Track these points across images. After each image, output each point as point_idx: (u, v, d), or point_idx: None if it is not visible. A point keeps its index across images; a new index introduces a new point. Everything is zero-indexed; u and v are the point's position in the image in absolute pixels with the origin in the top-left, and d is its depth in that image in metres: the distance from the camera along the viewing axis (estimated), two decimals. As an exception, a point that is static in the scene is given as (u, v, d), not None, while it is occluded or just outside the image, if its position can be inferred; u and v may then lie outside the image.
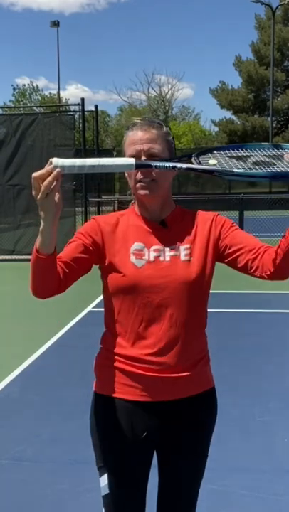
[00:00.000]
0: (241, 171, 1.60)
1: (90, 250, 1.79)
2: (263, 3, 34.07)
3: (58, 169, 1.54)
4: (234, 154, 1.70)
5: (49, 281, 1.69)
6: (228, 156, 1.68)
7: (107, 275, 1.82)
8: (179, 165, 1.63)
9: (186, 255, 1.80)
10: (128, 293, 1.78)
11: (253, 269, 1.78)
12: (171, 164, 1.62)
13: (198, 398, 1.85)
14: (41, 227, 1.59)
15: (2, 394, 4.57)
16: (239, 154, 1.69)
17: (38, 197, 1.54)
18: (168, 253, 1.80)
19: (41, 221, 1.58)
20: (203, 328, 1.89)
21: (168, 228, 1.83)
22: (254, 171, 1.61)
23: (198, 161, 1.66)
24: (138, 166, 1.62)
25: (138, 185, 1.76)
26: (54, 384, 4.75)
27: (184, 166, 1.63)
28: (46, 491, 3.13)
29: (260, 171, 1.61)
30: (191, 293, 1.79)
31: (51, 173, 1.53)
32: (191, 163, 1.65)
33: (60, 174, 1.54)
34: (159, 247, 1.80)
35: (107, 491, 1.84)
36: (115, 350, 1.83)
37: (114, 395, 1.83)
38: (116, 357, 1.82)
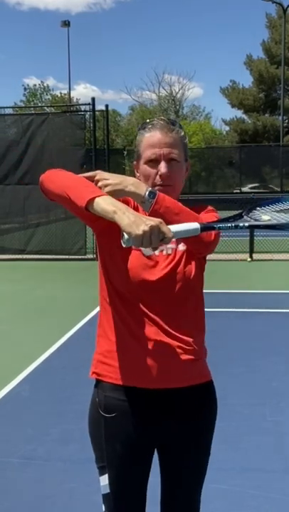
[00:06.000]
0: None
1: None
2: (274, 2, 33.97)
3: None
4: (278, 209, 1.74)
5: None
6: (274, 211, 1.73)
7: (111, 255, 1.79)
8: (241, 224, 1.66)
9: (183, 245, 1.80)
10: (130, 281, 1.75)
11: None
12: (234, 224, 1.66)
13: (195, 390, 1.82)
14: (107, 208, 1.52)
15: (13, 393, 4.59)
16: (283, 208, 1.74)
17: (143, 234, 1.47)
18: (169, 245, 1.79)
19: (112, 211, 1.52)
20: (201, 326, 1.86)
21: None
22: None
23: (251, 218, 1.70)
24: (203, 230, 1.63)
25: (156, 188, 1.76)
26: (65, 383, 4.76)
27: (247, 224, 1.68)
28: (56, 490, 3.14)
29: None
30: (189, 286, 1.78)
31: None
32: (245, 220, 1.68)
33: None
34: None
35: (107, 490, 1.84)
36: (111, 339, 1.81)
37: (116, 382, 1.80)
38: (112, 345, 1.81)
